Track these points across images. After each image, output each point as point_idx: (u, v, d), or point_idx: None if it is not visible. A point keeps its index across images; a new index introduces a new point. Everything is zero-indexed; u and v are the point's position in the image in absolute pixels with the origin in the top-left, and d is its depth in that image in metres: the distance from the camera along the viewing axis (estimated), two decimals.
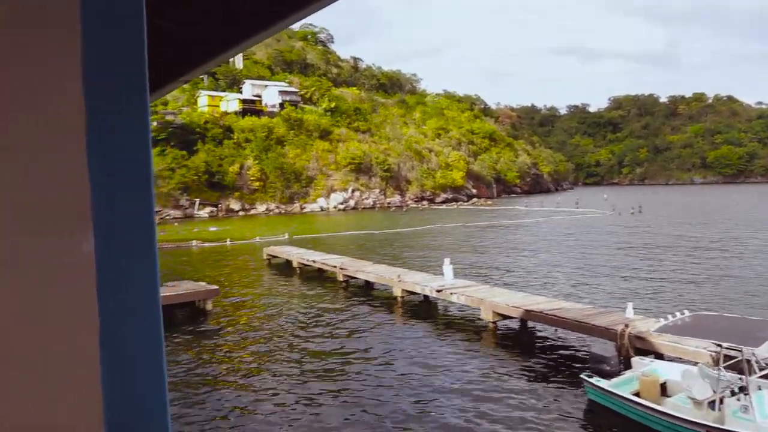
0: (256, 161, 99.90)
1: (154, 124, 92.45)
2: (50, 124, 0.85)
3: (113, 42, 0.91)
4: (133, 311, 0.92)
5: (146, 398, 0.93)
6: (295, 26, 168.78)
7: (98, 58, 0.89)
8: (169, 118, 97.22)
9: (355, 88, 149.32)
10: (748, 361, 11.42)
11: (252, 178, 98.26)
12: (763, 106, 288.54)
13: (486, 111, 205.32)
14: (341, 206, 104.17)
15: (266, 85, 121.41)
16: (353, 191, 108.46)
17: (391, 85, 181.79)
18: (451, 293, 23.12)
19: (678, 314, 13.40)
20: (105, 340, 0.88)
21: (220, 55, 4.31)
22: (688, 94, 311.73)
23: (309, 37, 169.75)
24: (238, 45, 3.97)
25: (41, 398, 0.84)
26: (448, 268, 25.88)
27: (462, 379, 15.85)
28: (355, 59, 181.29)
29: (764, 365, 11.87)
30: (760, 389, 11.47)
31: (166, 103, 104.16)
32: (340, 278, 30.51)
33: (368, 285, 29.19)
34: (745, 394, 11.26)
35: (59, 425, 0.85)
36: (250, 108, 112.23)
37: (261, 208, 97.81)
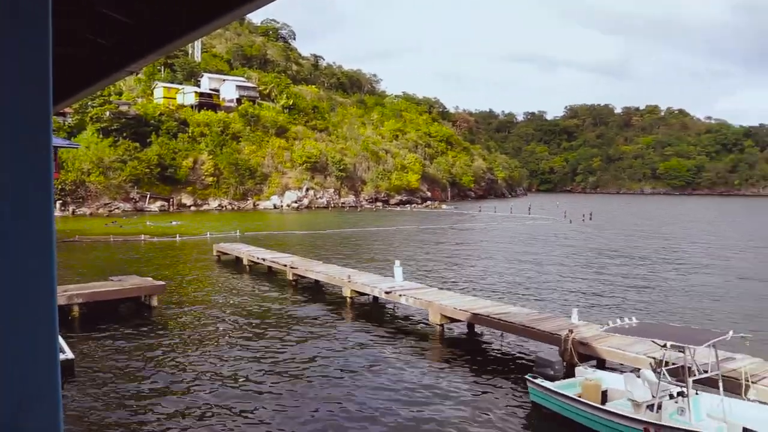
0: (211, 156, 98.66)
1: (107, 114, 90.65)
2: None
3: (16, 42, 0.87)
4: (29, 301, 0.89)
5: (39, 385, 0.91)
6: (257, 21, 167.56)
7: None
8: (122, 108, 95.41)
9: (314, 86, 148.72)
10: (689, 367, 11.75)
11: (205, 173, 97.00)
12: (712, 121, 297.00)
13: (444, 114, 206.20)
14: (295, 205, 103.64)
15: (224, 80, 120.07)
16: (308, 190, 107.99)
17: (351, 84, 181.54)
18: (400, 295, 23.08)
19: (626, 319, 13.66)
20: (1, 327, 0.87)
21: (168, 45, 4.13)
22: (642, 106, 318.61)
23: (270, 32, 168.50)
24: (186, 35, 3.81)
25: None
26: (398, 270, 25.90)
27: (407, 381, 15.87)
28: (316, 57, 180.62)
29: (703, 371, 12.24)
30: (697, 394, 11.87)
31: (120, 93, 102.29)
32: (290, 277, 30.36)
33: (318, 285, 29.18)
34: (683, 397, 11.64)
35: None
36: (207, 102, 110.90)
37: (213, 203, 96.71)
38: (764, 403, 12.24)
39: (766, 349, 17.30)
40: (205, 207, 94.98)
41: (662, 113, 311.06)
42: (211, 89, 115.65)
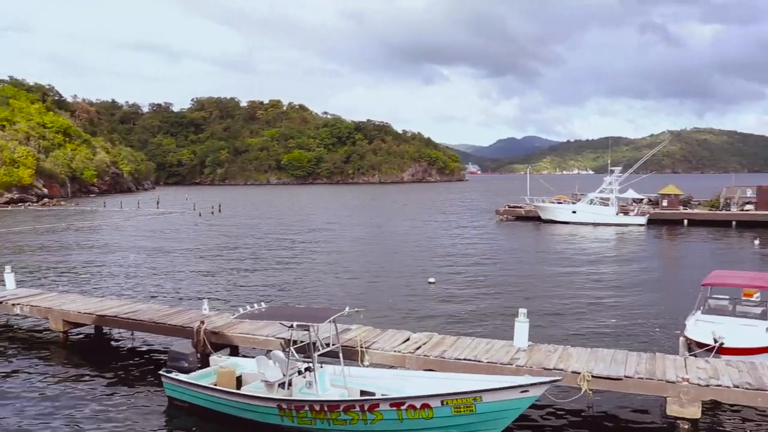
0: None
1: None
2: None
3: None
4: None
5: None
6: None
7: None
8: None
9: None
10: (314, 343, 12.98)
11: None
12: (328, 116, 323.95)
13: (61, 103, 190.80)
14: None
15: None
16: None
17: None
18: (14, 304, 21.13)
19: (256, 305, 14.31)
20: None
21: None
22: (266, 100, 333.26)
23: None
24: None
25: None
26: (9, 276, 23.52)
27: (31, 399, 14.62)
28: None
29: (326, 344, 13.69)
30: (321, 367, 13.24)
31: None
32: None
33: None
34: (311, 372, 12.85)
35: None
36: None
37: None
38: (375, 366, 14.39)
39: (376, 317, 19.88)
40: None
41: (285, 107, 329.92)
42: None
